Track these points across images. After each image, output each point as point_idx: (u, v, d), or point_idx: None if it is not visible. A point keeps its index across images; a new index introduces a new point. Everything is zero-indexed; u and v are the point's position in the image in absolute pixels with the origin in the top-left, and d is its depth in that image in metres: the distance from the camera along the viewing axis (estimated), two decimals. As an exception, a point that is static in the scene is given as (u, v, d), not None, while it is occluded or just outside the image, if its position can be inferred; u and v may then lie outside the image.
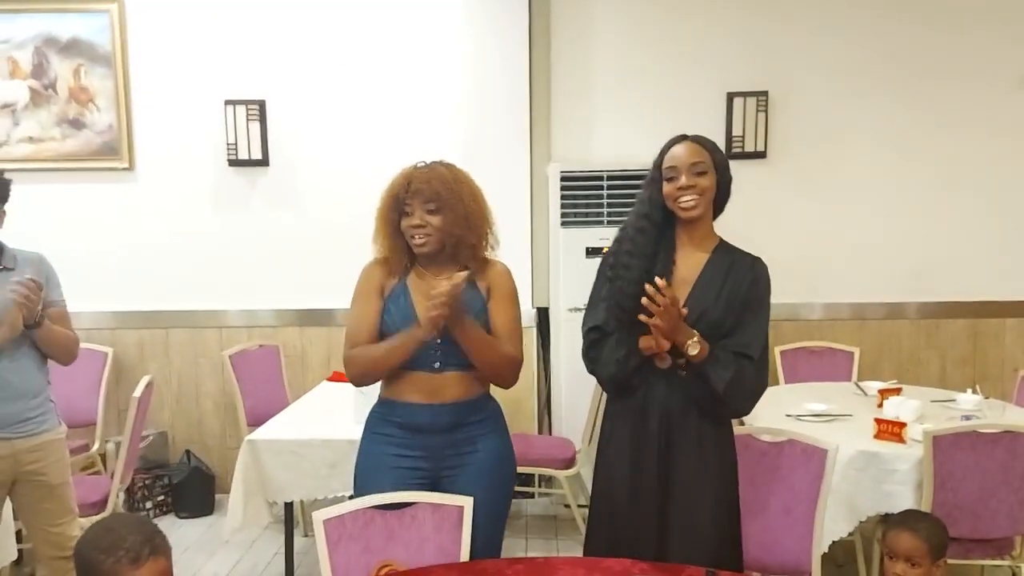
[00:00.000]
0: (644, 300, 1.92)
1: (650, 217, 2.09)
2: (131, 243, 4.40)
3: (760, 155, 4.29)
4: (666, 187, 2.06)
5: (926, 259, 4.38)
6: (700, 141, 2.10)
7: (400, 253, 2.21)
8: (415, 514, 2.08)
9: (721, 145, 4.13)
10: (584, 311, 2.23)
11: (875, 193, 4.37)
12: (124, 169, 4.35)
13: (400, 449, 2.19)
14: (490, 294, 2.22)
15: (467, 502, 2.08)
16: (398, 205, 2.17)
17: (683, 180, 2.03)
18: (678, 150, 2.07)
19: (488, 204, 2.25)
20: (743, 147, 4.27)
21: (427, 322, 2.03)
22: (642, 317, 1.94)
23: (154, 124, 4.35)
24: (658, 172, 2.09)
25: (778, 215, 4.36)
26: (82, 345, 2.86)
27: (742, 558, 2.16)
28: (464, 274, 2.04)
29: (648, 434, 2.09)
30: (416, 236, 2.15)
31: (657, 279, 1.93)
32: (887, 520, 2.37)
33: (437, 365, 2.16)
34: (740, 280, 2.07)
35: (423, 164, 2.22)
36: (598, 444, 2.24)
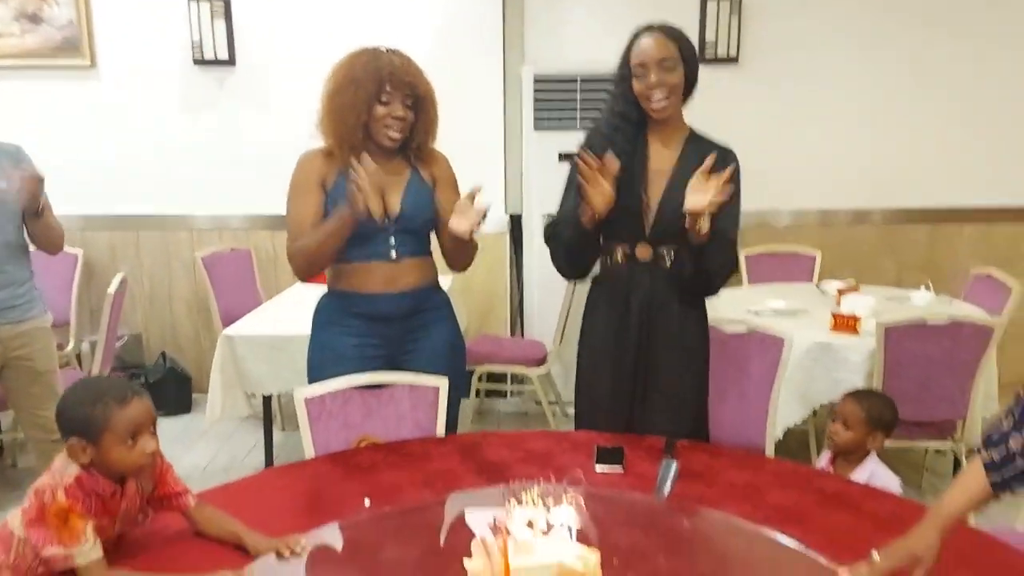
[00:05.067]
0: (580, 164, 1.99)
1: (627, 116, 2.10)
2: (97, 144, 4.33)
3: (732, 60, 4.29)
4: (636, 85, 2.07)
5: (890, 166, 4.46)
6: (668, 33, 2.08)
7: (355, 145, 2.12)
8: (392, 394, 2.17)
9: (693, 50, 4.20)
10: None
11: (844, 99, 4.40)
12: (86, 67, 4.24)
13: (359, 339, 2.22)
14: (436, 183, 2.26)
15: (442, 382, 2.17)
16: (377, 92, 2.10)
17: (652, 78, 2.03)
18: (646, 44, 2.05)
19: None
20: (716, 52, 4.26)
21: (355, 205, 2.02)
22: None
23: (115, 20, 4.23)
24: (627, 68, 2.08)
25: (749, 121, 4.36)
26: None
27: (708, 434, 2.30)
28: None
29: (630, 323, 2.16)
30: (392, 128, 2.13)
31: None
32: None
33: (394, 255, 2.19)
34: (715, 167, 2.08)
35: (387, 50, 2.16)
36: (580, 337, 2.31)
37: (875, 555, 1.32)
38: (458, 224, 2.06)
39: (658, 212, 2.11)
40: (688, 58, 2.09)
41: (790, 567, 1.46)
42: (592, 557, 1.12)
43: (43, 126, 4.27)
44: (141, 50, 4.26)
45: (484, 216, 2.05)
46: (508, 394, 4.53)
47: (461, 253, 2.26)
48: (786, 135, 4.44)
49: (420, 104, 2.17)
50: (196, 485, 3.40)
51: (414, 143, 2.22)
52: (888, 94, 4.41)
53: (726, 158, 2.13)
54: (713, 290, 2.20)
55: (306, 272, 2.22)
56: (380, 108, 2.12)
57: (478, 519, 1.16)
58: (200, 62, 4.24)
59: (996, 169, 4.43)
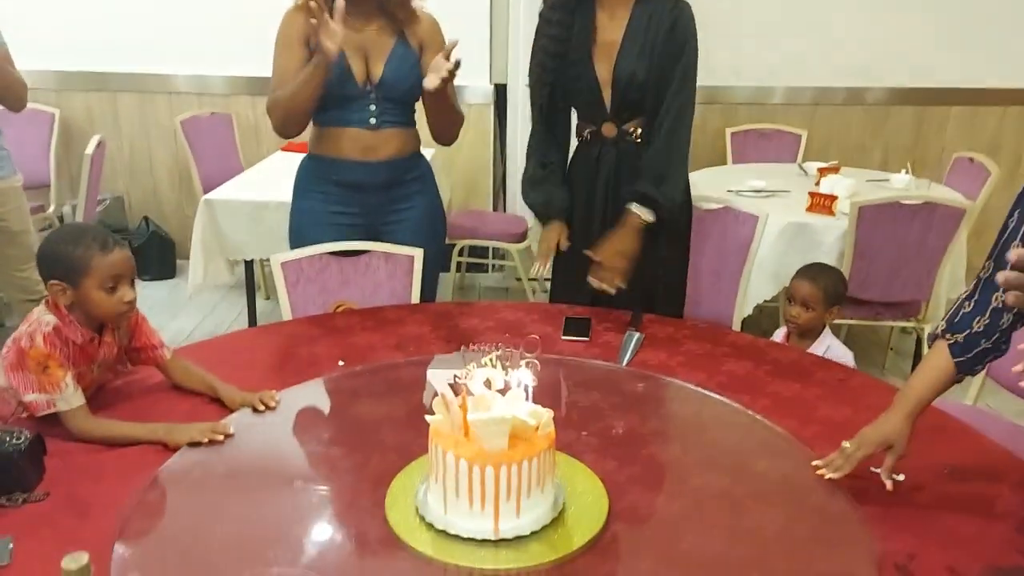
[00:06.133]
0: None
1: None
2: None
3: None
4: None
5: (880, 47, 4.35)
6: None
7: (321, 3, 2.05)
8: (368, 262, 2.21)
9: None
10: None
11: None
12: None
13: (337, 206, 2.23)
14: (423, 49, 2.19)
15: (417, 253, 2.20)
16: None
17: None
18: None
19: None
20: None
21: (325, 48, 1.97)
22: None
23: None
24: None
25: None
26: (27, 105, 2.82)
27: (683, 308, 2.36)
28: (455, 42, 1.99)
29: (596, 198, 2.20)
30: None
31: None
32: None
33: (373, 121, 2.16)
34: (660, 30, 2.02)
35: None
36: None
37: (846, 445, 1.32)
38: (429, 81, 2.00)
39: (614, 87, 2.08)
40: None
41: (732, 426, 1.55)
42: (545, 413, 1.19)
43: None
44: None
45: (455, 69, 1.97)
46: (489, 268, 4.59)
47: (444, 122, 2.22)
48: (777, 11, 4.29)
49: None
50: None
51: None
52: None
53: (671, 12, 2.04)
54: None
55: (283, 125, 2.16)
56: None
57: (439, 377, 1.21)
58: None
59: (986, 49, 4.33)
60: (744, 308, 2.78)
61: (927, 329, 3.03)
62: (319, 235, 2.20)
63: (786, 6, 4.29)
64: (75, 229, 1.50)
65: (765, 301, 3.09)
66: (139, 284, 4.34)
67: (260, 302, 3.87)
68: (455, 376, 1.20)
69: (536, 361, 1.20)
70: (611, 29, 2.07)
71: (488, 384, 1.19)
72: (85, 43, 4.23)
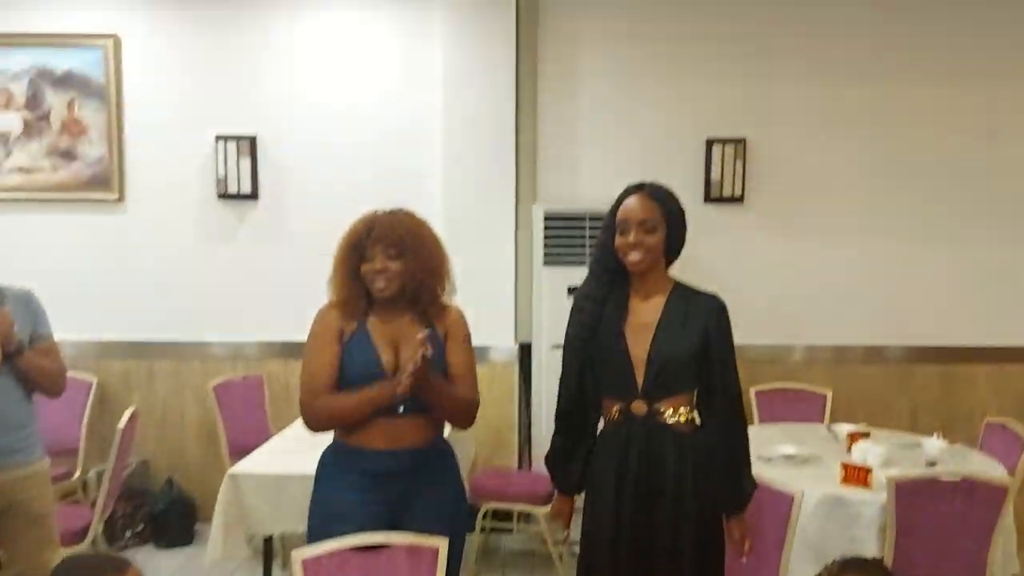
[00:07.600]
0: None
1: (603, 262, 2.20)
2: (119, 274, 4.47)
3: (738, 199, 4.39)
4: (617, 239, 2.15)
5: (902, 303, 4.48)
6: (654, 195, 2.17)
7: (358, 297, 2.24)
8: (391, 555, 2.13)
9: (700, 189, 4.36)
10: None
11: (850, 237, 4.49)
12: (114, 201, 4.42)
13: (361, 495, 2.23)
14: (447, 337, 2.29)
15: (442, 543, 2.14)
16: (359, 250, 2.22)
17: (632, 237, 2.12)
18: (631, 203, 2.16)
19: (446, 252, 2.33)
20: (721, 192, 4.37)
21: (405, 382, 2.07)
22: None
23: (145, 157, 4.43)
24: (613, 219, 2.18)
25: (756, 258, 4.45)
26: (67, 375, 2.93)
27: None
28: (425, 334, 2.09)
29: (627, 478, 2.17)
30: (377, 280, 2.20)
31: None
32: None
33: (401, 410, 2.21)
34: (703, 318, 2.15)
35: (388, 211, 2.28)
36: (586, 485, 2.32)
37: None
38: (400, 386, 2.09)
39: (647, 367, 2.14)
40: (672, 220, 2.17)
41: None
42: None
43: (69, 256, 4.43)
44: (168, 185, 4.45)
45: (421, 367, 2.05)
46: (515, 529, 4.43)
47: (442, 412, 2.29)
48: (792, 272, 4.50)
49: (410, 252, 2.21)
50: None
51: (422, 295, 2.26)
52: (894, 232, 4.49)
53: (713, 303, 2.18)
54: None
55: (323, 428, 2.27)
56: (365, 265, 2.21)
57: None
58: (224, 196, 4.42)
59: (1010, 308, 4.44)
60: (787, 589, 2.62)
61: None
62: (341, 529, 2.15)
63: (800, 266, 4.48)
64: (91, 561, 1.50)
65: (807, 579, 2.92)
66: (154, 554, 4.16)
67: (276, 572, 3.72)
68: None
69: None
70: (645, 312, 2.17)
71: None
72: (124, 315, 4.48)
